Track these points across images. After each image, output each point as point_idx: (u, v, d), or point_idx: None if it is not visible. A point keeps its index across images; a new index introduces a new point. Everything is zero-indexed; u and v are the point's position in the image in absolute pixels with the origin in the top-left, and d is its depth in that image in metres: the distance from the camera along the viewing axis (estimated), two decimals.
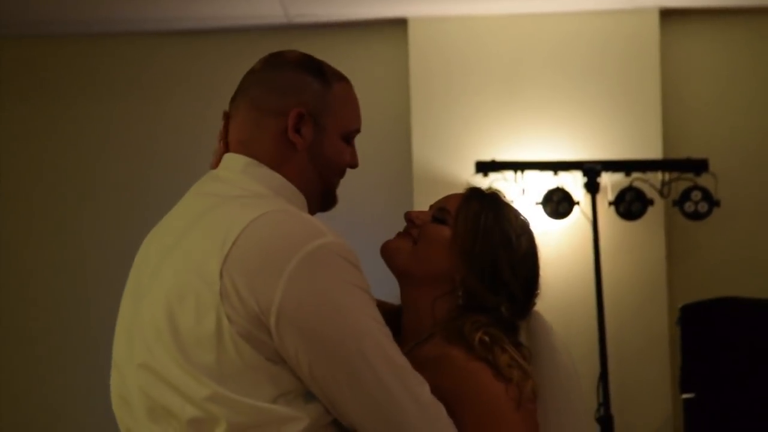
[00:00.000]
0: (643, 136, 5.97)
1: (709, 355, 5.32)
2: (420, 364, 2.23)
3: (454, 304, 2.34)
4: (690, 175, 5.81)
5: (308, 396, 2.15)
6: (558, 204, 5.72)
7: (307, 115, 2.29)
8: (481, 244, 2.34)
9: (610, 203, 5.80)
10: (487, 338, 2.23)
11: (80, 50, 6.39)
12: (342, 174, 2.39)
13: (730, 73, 6.17)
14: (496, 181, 5.76)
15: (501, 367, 2.21)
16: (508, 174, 5.80)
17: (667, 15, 6.07)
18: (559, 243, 5.85)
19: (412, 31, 6.08)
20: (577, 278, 5.80)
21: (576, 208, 5.74)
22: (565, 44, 6.05)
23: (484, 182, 5.71)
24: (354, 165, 2.41)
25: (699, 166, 5.81)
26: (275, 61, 2.37)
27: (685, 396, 5.35)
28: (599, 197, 5.71)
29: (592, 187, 5.67)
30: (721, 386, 5.27)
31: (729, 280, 5.95)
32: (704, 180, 5.80)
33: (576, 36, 6.04)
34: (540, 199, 5.74)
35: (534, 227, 2.46)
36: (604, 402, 5.42)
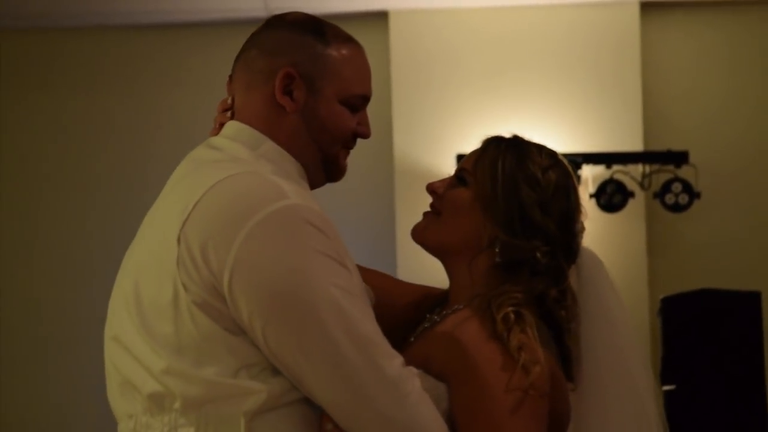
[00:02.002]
0: (623, 129, 5.98)
1: (690, 346, 5.33)
2: (434, 341, 2.15)
3: (491, 263, 2.19)
4: (670, 168, 5.83)
5: (273, 370, 2.02)
6: None
7: (298, 76, 2.17)
8: (503, 190, 2.20)
9: (591, 195, 5.81)
10: (512, 316, 2.08)
11: (65, 44, 6.37)
12: (346, 142, 2.23)
13: (711, 65, 6.19)
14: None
15: (511, 347, 2.05)
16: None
17: (647, 7, 6.08)
18: None
19: (393, 24, 6.08)
20: None
21: None
22: (545, 37, 6.05)
23: None
24: (364, 134, 2.27)
25: (679, 158, 5.83)
26: (274, 22, 2.25)
27: (665, 387, 5.36)
28: (580, 189, 5.70)
29: None
30: (701, 378, 5.28)
31: (710, 272, 5.97)
32: (685, 172, 5.81)
33: (556, 29, 6.05)
34: None
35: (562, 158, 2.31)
36: None
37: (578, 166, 5.68)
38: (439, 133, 5.95)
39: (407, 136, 6.00)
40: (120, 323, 2.13)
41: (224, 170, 2.08)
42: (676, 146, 5.92)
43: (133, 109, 6.32)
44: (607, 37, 6.02)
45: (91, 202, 6.30)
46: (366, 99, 2.26)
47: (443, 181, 2.29)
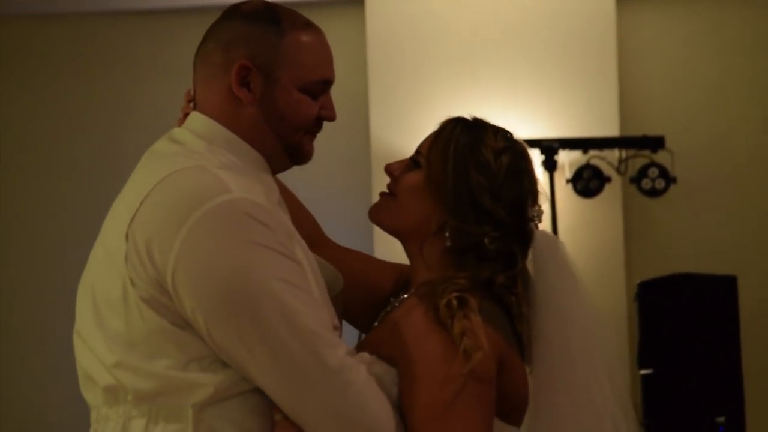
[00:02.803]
0: (600, 114, 5.99)
1: (667, 331, 5.35)
2: (388, 327, 2.17)
3: (443, 247, 2.20)
4: (647, 153, 5.84)
5: (223, 362, 2.06)
6: None
7: (254, 67, 2.17)
8: (453, 175, 2.19)
9: (568, 181, 5.82)
10: (455, 302, 2.08)
11: (47, 30, 6.35)
12: (309, 128, 2.23)
13: (687, 50, 6.20)
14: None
15: (454, 333, 2.04)
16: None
17: None
18: None
19: (369, 10, 6.07)
20: None
21: None
22: (522, 22, 6.05)
23: None
24: (329, 118, 2.25)
25: (656, 143, 5.84)
26: (229, 13, 2.26)
27: (643, 372, 5.38)
28: (557, 175, 5.73)
29: (549, 165, 5.68)
30: (678, 362, 5.30)
31: (686, 257, 5.98)
32: (661, 157, 5.83)
33: (533, 14, 6.05)
34: None
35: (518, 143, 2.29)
36: None
37: (555, 152, 5.68)
38: (415, 116, 5.94)
39: (384, 120, 5.99)
40: (81, 317, 2.17)
41: (173, 165, 2.10)
42: (653, 131, 5.93)
43: (120, 95, 6.30)
44: (583, 21, 6.03)
45: (78, 190, 6.28)
46: (327, 83, 2.25)
47: (401, 162, 2.30)
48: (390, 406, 2.07)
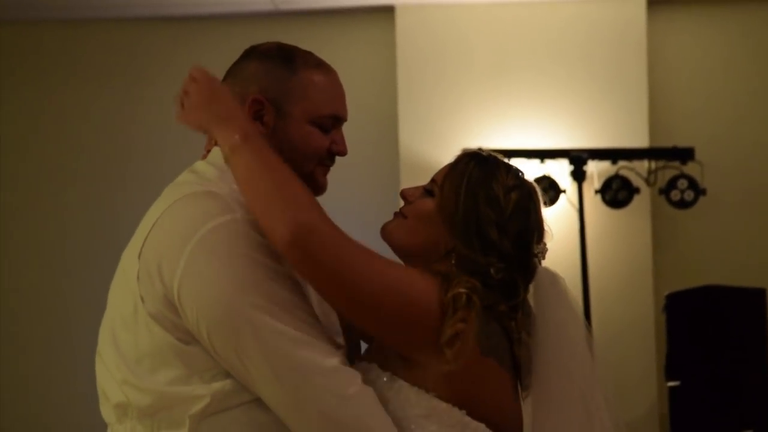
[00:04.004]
0: (629, 125, 5.98)
1: (695, 342, 5.33)
2: None
3: (448, 271, 2.28)
4: (676, 164, 5.83)
5: (225, 374, 2.16)
6: (544, 192, 5.70)
7: (266, 101, 2.31)
8: (464, 207, 2.30)
9: (597, 191, 5.81)
10: (464, 298, 2.20)
11: (66, 35, 6.38)
12: (321, 160, 2.37)
13: (717, 62, 6.19)
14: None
15: (445, 333, 2.17)
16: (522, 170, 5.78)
17: (654, 3, 6.07)
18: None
19: (400, 18, 6.08)
20: (563, 266, 5.75)
21: (562, 196, 5.75)
22: (552, 32, 6.05)
23: None
24: (339, 153, 2.40)
25: (685, 154, 5.82)
26: (248, 52, 2.40)
27: (670, 383, 5.37)
28: (585, 185, 5.72)
29: (578, 175, 5.68)
30: (706, 374, 5.28)
31: (714, 269, 5.96)
32: (690, 168, 5.81)
33: (563, 24, 6.05)
34: None
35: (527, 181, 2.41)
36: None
37: (584, 162, 5.68)
38: (444, 126, 5.95)
39: (412, 130, 6.00)
40: (102, 338, 2.30)
41: (183, 191, 2.25)
42: (682, 142, 5.91)
43: (125, 101, 6.32)
44: (613, 32, 6.02)
45: (81, 195, 6.30)
46: (337, 118, 2.40)
47: (416, 189, 2.41)
48: (386, 417, 2.16)
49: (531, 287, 2.36)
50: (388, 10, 6.11)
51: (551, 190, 5.72)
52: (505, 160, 2.41)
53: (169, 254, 2.16)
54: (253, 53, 2.38)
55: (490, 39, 6.07)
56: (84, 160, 6.33)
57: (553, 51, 6.04)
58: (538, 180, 5.72)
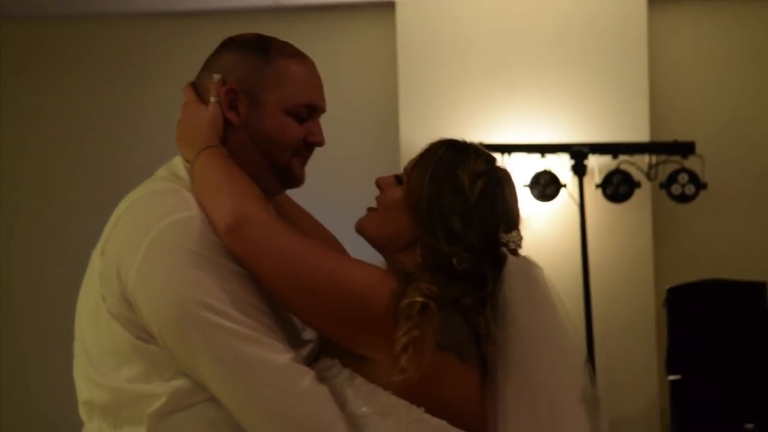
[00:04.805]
0: (630, 119, 5.98)
1: (695, 336, 5.34)
2: None
3: (414, 262, 2.24)
4: (677, 158, 5.83)
5: (180, 373, 2.15)
6: (545, 186, 5.73)
7: (240, 91, 2.30)
8: (428, 196, 2.24)
9: (597, 186, 5.81)
10: (417, 306, 2.12)
11: (66, 31, 6.38)
12: (296, 151, 2.35)
13: (718, 56, 6.19)
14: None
15: (397, 340, 2.10)
16: (496, 156, 5.79)
17: None
18: (546, 225, 5.87)
19: (400, 13, 6.08)
20: (564, 260, 5.81)
21: (563, 191, 5.75)
22: (552, 27, 6.05)
23: None
24: (316, 143, 2.38)
25: (686, 148, 5.82)
26: (225, 42, 2.40)
27: (671, 377, 5.37)
28: (586, 180, 5.72)
29: (579, 170, 5.68)
30: (707, 367, 5.29)
31: (715, 263, 5.97)
32: (691, 163, 5.81)
33: (564, 19, 6.05)
34: (527, 181, 5.74)
35: (509, 176, 2.33)
36: (591, 383, 5.43)
37: (584, 156, 5.68)
38: (444, 121, 5.95)
39: (413, 125, 6.00)
40: (75, 334, 2.30)
41: (148, 188, 2.26)
42: (683, 137, 5.92)
43: (128, 97, 6.33)
44: (614, 26, 6.02)
45: (78, 191, 6.30)
46: (313, 108, 2.37)
47: (390, 177, 2.36)
48: (338, 414, 2.13)
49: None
50: (389, 6, 6.11)
51: (552, 184, 5.72)
52: (479, 146, 2.36)
53: (126, 252, 2.16)
54: (229, 44, 2.38)
55: (490, 34, 6.07)
56: (86, 157, 6.34)
57: (553, 45, 6.04)
58: (539, 175, 5.73)
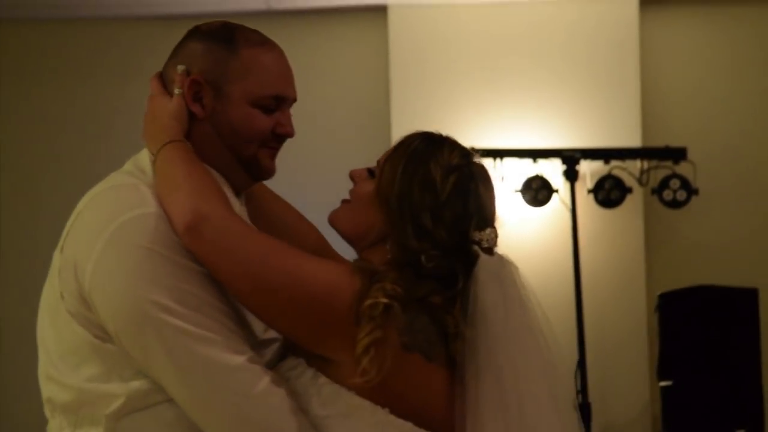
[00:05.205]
0: (622, 125, 5.98)
1: (687, 342, 5.34)
2: None
3: (385, 259, 2.18)
4: (669, 164, 5.83)
5: (140, 373, 2.10)
6: (537, 192, 5.73)
7: (204, 82, 2.23)
8: (398, 190, 2.18)
9: (589, 191, 5.81)
10: (381, 307, 2.06)
11: (61, 34, 6.37)
12: (264, 142, 2.28)
13: (709, 61, 6.19)
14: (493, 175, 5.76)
15: (358, 341, 2.04)
16: (487, 161, 5.77)
17: (646, 3, 6.08)
18: (537, 231, 5.86)
19: (392, 18, 6.08)
20: (556, 266, 5.81)
21: (555, 196, 5.75)
22: (544, 32, 6.05)
23: None
24: (286, 134, 2.31)
25: (678, 154, 5.82)
26: (191, 31, 2.33)
27: (662, 383, 5.37)
28: (578, 185, 5.72)
29: (571, 175, 5.68)
30: (698, 373, 5.29)
31: (707, 268, 5.97)
32: (683, 168, 5.81)
33: (556, 24, 6.05)
34: (519, 186, 5.74)
35: (485, 172, 2.27)
36: (582, 389, 5.44)
37: (576, 162, 5.68)
38: (436, 126, 5.84)
39: (405, 130, 5.87)
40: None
41: (108, 183, 2.21)
42: (675, 142, 5.92)
43: (135, 99, 6.30)
44: (606, 32, 6.02)
45: (80, 193, 6.27)
46: (281, 99, 2.28)
47: (363, 170, 2.31)
48: (294, 416, 2.08)
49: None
50: (381, 10, 6.11)
51: (544, 189, 5.72)
52: (455, 140, 2.29)
53: (82, 250, 2.11)
54: (195, 32, 2.32)
55: (482, 39, 6.07)
56: (85, 157, 6.32)
57: (545, 51, 6.04)
58: (531, 180, 5.72)
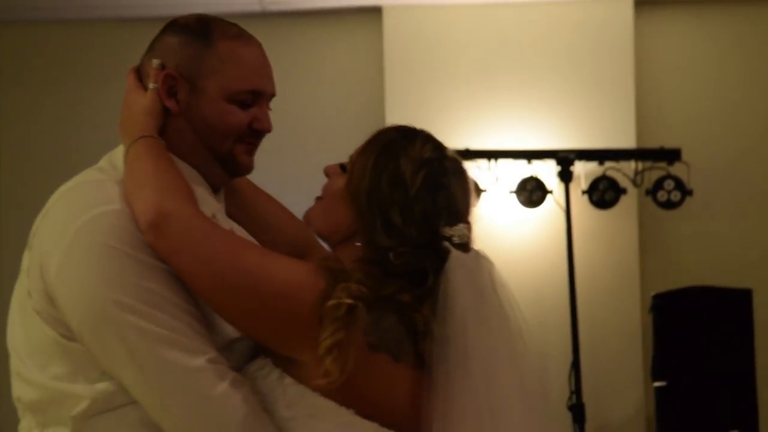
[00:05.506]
0: (616, 126, 5.99)
1: (681, 343, 5.34)
2: None
3: (356, 255, 2.13)
4: (663, 165, 5.84)
5: (106, 374, 2.07)
6: (531, 193, 5.74)
7: (179, 77, 2.19)
8: (368, 186, 2.12)
9: (584, 192, 5.82)
10: (344, 308, 2.01)
11: (48, 36, 6.37)
12: (240, 138, 2.23)
13: (704, 62, 6.20)
14: (469, 169, 5.77)
15: (321, 342, 1.99)
16: (482, 162, 5.80)
17: (641, 4, 6.08)
18: (532, 232, 5.87)
19: (387, 19, 6.08)
20: (550, 267, 5.81)
21: (549, 197, 5.76)
22: (539, 33, 6.06)
23: None
24: (263, 129, 2.25)
25: (672, 155, 5.83)
26: (166, 27, 2.28)
27: (656, 384, 5.38)
28: (572, 186, 5.73)
29: (565, 176, 5.69)
30: (692, 374, 5.29)
31: (701, 269, 5.97)
32: (677, 169, 5.82)
33: (550, 25, 6.05)
34: (513, 187, 5.75)
35: (464, 170, 2.22)
36: (576, 390, 5.44)
37: (571, 163, 5.69)
38: (431, 127, 5.85)
39: None
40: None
41: (77, 179, 2.19)
42: (669, 143, 5.92)
43: (112, 102, 6.31)
44: (600, 33, 6.03)
45: None
46: (258, 93, 2.23)
47: (336, 165, 2.25)
48: (254, 419, 2.04)
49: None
50: (376, 11, 6.11)
51: (538, 190, 5.73)
52: (429, 133, 2.23)
53: (48, 247, 2.08)
54: (171, 26, 2.27)
55: (477, 40, 6.07)
56: (84, 157, 6.31)
57: (540, 52, 6.05)
58: (526, 181, 5.73)
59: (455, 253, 2.10)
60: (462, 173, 2.20)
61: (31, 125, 6.37)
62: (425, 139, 2.21)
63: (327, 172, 2.24)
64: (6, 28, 6.37)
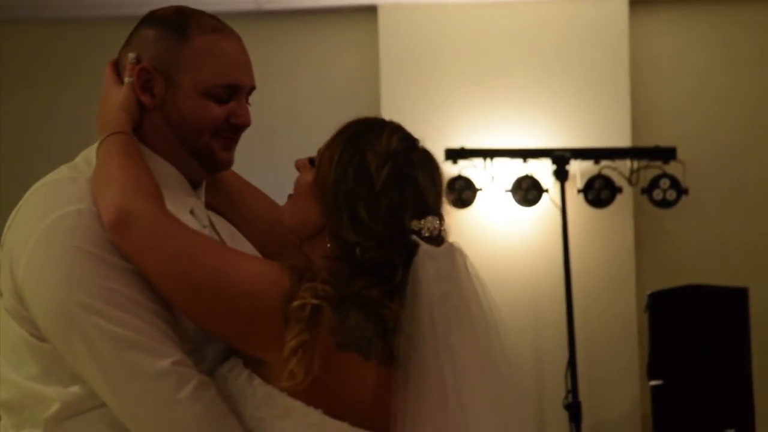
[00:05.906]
0: (611, 124, 5.99)
1: (677, 342, 5.34)
2: None
3: (324, 251, 2.09)
4: (658, 163, 5.84)
5: (76, 377, 2.04)
6: (527, 191, 5.73)
7: (154, 71, 2.15)
8: (333, 180, 2.08)
9: (579, 191, 5.82)
10: (308, 309, 1.97)
11: (52, 34, 6.36)
12: (216, 132, 2.18)
13: (699, 61, 6.20)
14: (465, 168, 5.77)
15: (286, 344, 1.96)
16: (478, 161, 5.80)
17: (636, 3, 6.08)
18: (528, 230, 5.86)
19: (382, 18, 6.07)
20: (546, 266, 5.81)
21: (545, 196, 5.76)
22: (534, 32, 6.05)
23: (453, 170, 5.73)
24: (241, 124, 2.20)
25: (667, 154, 5.84)
26: (143, 19, 2.24)
27: (653, 383, 5.37)
28: (568, 185, 5.72)
29: (561, 175, 5.68)
30: (688, 373, 5.29)
31: (697, 268, 5.97)
32: (672, 168, 5.82)
33: (546, 24, 6.05)
34: (509, 186, 5.75)
35: (435, 163, 2.16)
36: (572, 389, 5.44)
37: (566, 161, 5.69)
38: (427, 126, 5.83)
39: None
40: None
41: (50, 176, 2.17)
42: (664, 142, 5.93)
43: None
44: (595, 32, 6.03)
45: None
46: (235, 87, 2.19)
47: (305, 159, 2.20)
48: (220, 423, 2.01)
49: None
50: (371, 10, 6.10)
51: (534, 189, 5.73)
52: (398, 124, 2.18)
53: (17, 246, 2.06)
54: (148, 18, 2.22)
55: (472, 39, 6.07)
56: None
57: (536, 50, 6.04)
58: (521, 180, 5.73)
59: (424, 247, 2.05)
60: (431, 165, 2.15)
61: (32, 125, 6.35)
62: (393, 130, 2.15)
63: (297, 166, 2.19)
64: (6, 27, 6.36)
